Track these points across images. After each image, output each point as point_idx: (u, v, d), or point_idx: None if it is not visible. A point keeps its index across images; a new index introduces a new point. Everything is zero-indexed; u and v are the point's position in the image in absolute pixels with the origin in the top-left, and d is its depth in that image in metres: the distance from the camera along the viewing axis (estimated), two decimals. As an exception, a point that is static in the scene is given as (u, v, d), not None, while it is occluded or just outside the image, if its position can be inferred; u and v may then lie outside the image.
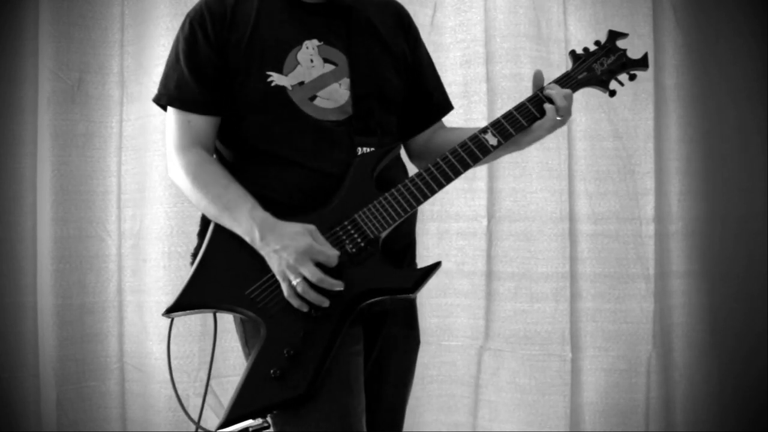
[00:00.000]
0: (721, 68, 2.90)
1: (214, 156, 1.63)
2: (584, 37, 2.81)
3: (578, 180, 2.85)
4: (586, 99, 2.82)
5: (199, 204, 1.52)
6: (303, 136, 1.52)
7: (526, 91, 2.80)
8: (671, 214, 2.89)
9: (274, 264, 1.42)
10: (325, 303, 1.42)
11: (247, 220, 1.44)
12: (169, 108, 1.57)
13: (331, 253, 1.41)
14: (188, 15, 1.58)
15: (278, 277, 1.43)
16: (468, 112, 2.79)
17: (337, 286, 1.41)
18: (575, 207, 2.85)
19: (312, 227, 1.43)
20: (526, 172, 2.78)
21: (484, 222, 2.82)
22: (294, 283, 1.40)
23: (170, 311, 1.49)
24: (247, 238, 1.45)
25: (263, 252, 1.44)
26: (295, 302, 1.42)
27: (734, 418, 2.84)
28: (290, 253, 1.40)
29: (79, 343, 2.70)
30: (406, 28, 1.71)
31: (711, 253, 2.89)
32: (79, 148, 2.72)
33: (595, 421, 2.82)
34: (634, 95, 2.82)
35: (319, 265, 1.40)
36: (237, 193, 1.48)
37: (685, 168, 2.89)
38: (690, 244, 2.89)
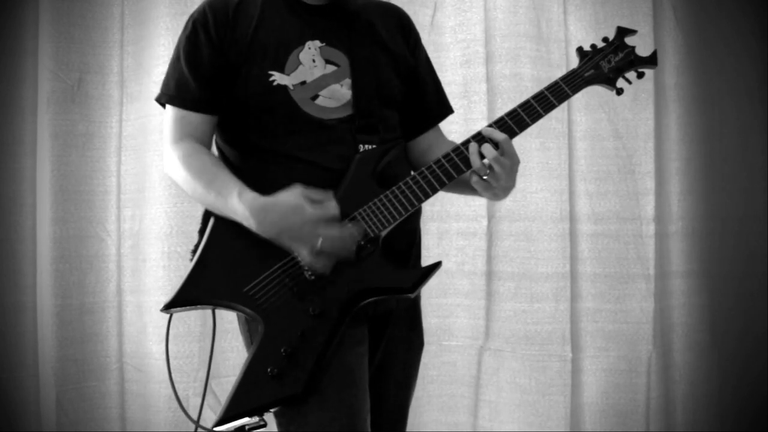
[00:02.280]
0: (721, 68, 2.90)
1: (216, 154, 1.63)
2: (584, 37, 2.81)
3: (578, 180, 2.85)
4: (586, 99, 2.82)
5: (195, 193, 1.52)
6: (305, 133, 1.52)
7: (526, 91, 2.81)
8: (671, 214, 2.88)
9: (285, 242, 1.42)
10: (353, 249, 1.43)
11: (238, 205, 1.43)
12: (167, 105, 1.59)
13: (331, 210, 1.41)
14: (191, 16, 1.59)
15: (297, 251, 1.42)
16: (468, 112, 2.79)
17: (358, 231, 1.43)
18: (575, 207, 2.85)
19: (298, 190, 1.42)
20: (526, 172, 2.78)
21: (484, 222, 2.82)
22: (318, 244, 1.39)
23: (169, 307, 1.49)
24: (245, 224, 1.44)
25: (266, 236, 1.43)
26: (320, 267, 1.42)
27: (734, 418, 2.84)
28: (298, 227, 1.39)
29: (78, 343, 2.70)
30: (407, 32, 1.71)
31: (711, 253, 2.89)
32: (79, 148, 2.72)
33: (595, 421, 2.82)
34: (634, 95, 2.81)
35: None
36: (226, 179, 1.48)
37: (685, 168, 2.89)
38: (690, 244, 2.89)
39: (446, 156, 1.51)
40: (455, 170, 1.51)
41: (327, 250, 1.40)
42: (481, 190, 1.54)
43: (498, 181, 1.51)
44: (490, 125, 1.53)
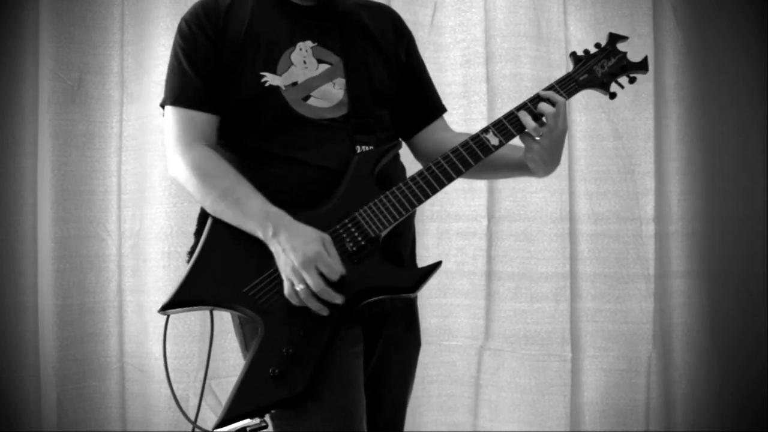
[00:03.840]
0: (721, 68, 2.90)
1: None
2: (584, 37, 2.81)
3: (578, 180, 2.85)
4: (586, 99, 2.82)
5: (206, 199, 1.50)
6: (299, 133, 1.52)
7: (526, 91, 2.81)
8: (671, 214, 2.89)
9: (281, 262, 1.42)
10: (324, 312, 1.42)
11: (260, 214, 1.43)
12: (168, 107, 1.56)
13: (337, 268, 1.41)
14: (183, 18, 1.58)
15: (282, 275, 1.42)
16: (468, 112, 2.79)
17: (337, 299, 1.41)
18: (575, 207, 2.85)
19: (327, 237, 1.43)
20: (527, 172, 2.78)
21: (484, 222, 2.82)
22: (297, 288, 1.40)
23: (166, 308, 1.47)
24: (258, 233, 1.43)
25: (272, 247, 1.43)
26: (295, 302, 1.42)
27: (734, 418, 2.84)
28: (298, 255, 1.39)
29: (79, 343, 2.70)
30: (399, 32, 1.72)
31: (711, 253, 2.89)
32: (79, 148, 2.72)
33: (595, 421, 2.82)
34: (634, 95, 2.81)
35: (322, 276, 1.40)
36: (249, 188, 1.47)
37: (685, 168, 2.89)
38: (690, 244, 2.89)
39: (445, 157, 1.53)
40: (454, 171, 1.52)
41: (302, 297, 1.40)
42: (531, 153, 1.57)
43: (551, 141, 1.54)
44: (503, 115, 1.56)
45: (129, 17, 2.76)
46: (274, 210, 1.44)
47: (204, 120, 1.54)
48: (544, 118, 1.54)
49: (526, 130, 1.55)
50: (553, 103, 1.55)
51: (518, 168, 1.63)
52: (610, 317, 2.82)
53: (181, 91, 1.54)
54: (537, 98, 1.56)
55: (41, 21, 2.69)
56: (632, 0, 2.83)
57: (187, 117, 1.54)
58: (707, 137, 2.90)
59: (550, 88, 1.59)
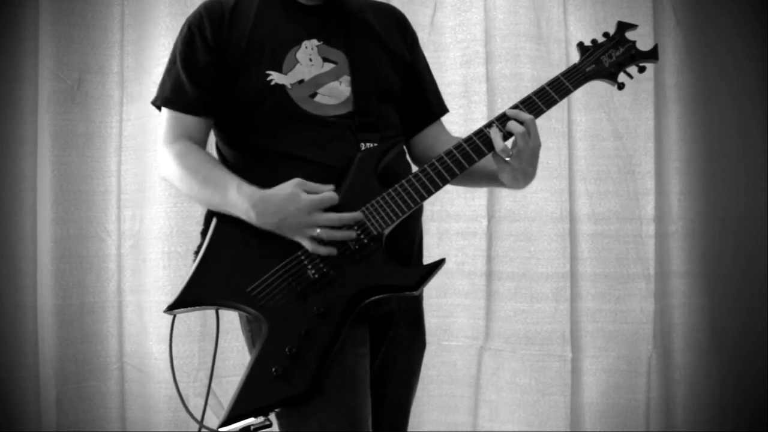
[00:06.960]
0: (721, 68, 2.90)
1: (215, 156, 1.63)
2: (584, 37, 2.78)
3: (578, 180, 2.85)
4: (586, 99, 2.82)
5: (192, 190, 1.52)
6: (304, 131, 1.52)
7: (526, 91, 2.78)
8: (671, 214, 2.89)
9: (286, 233, 1.43)
10: (353, 235, 1.44)
11: (238, 199, 1.44)
12: (162, 108, 1.59)
13: (328, 196, 1.43)
14: (187, 19, 1.60)
15: (298, 239, 1.43)
16: (468, 112, 2.79)
17: (356, 218, 1.43)
18: (575, 207, 2.85)
19: (297, 180, 1.44)
20: (526, 172, 2.78)
21: (484, 222, 2.82)
22: (316, 234, 1.41)
23: (172, 308, 1.49)
24: (244, 217, 1.45)
25: (267, 228, 1.44)
26: (324, 250, 1.43)
27: (734, 418, 2.84)
28: (294, 215, 1.41)
29: (79, 343, 2.70)
30: (403, 30, 1.72)
31: (711, 253, 2.89)
32: (79, 148, 2.72)
33: (595, 421, 2.82)
34: (634, 95, 2.82)
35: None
36: (223, 173, 1.49)
37: (685, 168, 2.89)
38: (690, 244, 2.89)
39: (448, 153, 1.51)
40: (458, 168, 1.51)
41: (325, 238, 1.42)
42: (504, 173, 1.54)
43: (521, 161, 1.51)
44: (501, 114, 1.53)
45: (129, 17, 2.76)
46: (247, 190, 1.45)
47: (192, 123, 1.56)
48: (508, 142, 1.51)
49: (496, 151, 1.51)
50: (521, 122, 1.51)
51: (495, 179, 1.60)
52: (610, 317, 2.82)
53: (173, 95, 1.57)
54: (504, 117, 1.52)
55: (41, 21, 2.69)
56: (632, 0, 2.83)
57: (175, 118, 1.57)
58: (707, 137, 2.90)
59: (555, 80, 1.57)
